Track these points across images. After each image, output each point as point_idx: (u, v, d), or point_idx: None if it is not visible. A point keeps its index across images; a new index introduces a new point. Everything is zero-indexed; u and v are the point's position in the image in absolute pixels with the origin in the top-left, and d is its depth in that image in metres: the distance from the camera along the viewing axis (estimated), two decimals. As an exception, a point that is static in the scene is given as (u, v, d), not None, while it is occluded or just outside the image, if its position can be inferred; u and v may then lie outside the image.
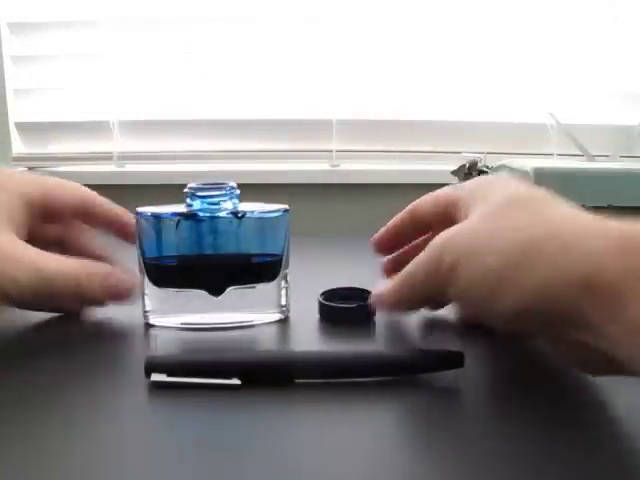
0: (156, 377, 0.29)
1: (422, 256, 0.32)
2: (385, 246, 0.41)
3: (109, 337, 0.38)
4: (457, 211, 0.33)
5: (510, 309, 0.26)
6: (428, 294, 0.33)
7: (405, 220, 0.40)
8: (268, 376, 0.29)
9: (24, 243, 0.35)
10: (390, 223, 0.41)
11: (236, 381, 0.28)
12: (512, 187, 0.32)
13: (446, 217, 0.35)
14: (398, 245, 0.41)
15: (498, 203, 0.30)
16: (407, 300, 0.34)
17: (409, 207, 0.40)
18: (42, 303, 0.38)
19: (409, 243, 0.41)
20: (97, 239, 0.43)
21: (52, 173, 0.98)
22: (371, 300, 0.37)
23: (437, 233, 0.33)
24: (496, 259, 0.26)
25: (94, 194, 0.41)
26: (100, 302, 0.38)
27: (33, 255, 0.34)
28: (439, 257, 0.30)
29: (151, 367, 0.29)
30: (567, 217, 0.28)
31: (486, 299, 0.27)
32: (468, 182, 0.36)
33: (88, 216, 0.41)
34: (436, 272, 0.30)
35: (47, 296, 0.35)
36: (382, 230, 0.41)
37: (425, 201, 0.38)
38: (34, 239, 0.36)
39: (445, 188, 0.37)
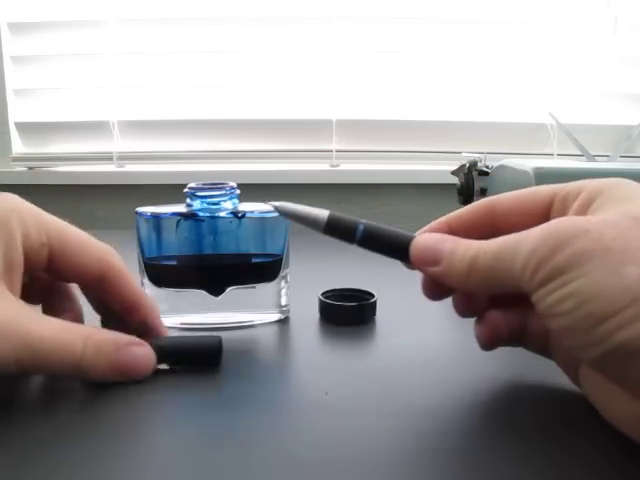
0: None
1: (530, 234, 0.22)
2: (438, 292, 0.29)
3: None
4: (567, 207, 0.25)
5: (624, 348, 0.20)
6: (502, 285, 0.24)
7: (479, 215, 0.28)
8: (195, 360, 0.31)
9: (16, 302, 0.26)
10: (453, 216, 0.28)
11: (164, 366, 0.30)
12: None
13: (546, 218, 0.25)
14: None
15: None
16: (465, 279, 0.24)
17: (485, 201, 0.28)
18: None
19: None
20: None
21: (52, 173, 0.98)
22: (412, 252, 0.26)
23: None
24: (636, 271, 0.20)
25: (120, 267, 0.30)
26: (106, 378, 0.28)
27: (24, 321, 0.25)
28: (555, 242, 0.21)
29: None
30: None
31: (595, 326, 0.20)
32: (585, 181, 0.25)
33: (102, 290, 0.31)
34: (541, 261, 0.21)
35: (40, 372, 0.28)
36: (439, 222, 0.28)
37: (510, 195, 0.27)
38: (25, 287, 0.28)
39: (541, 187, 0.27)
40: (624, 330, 0.20)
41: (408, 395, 0.29)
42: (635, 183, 0.25)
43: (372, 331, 0.39)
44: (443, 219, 0.28)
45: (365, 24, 0.95)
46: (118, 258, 0.30)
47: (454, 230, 0.27)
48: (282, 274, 0.40)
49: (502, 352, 0.32)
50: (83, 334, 0.27)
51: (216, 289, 0.38)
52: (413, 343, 0.36)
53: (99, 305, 0.32)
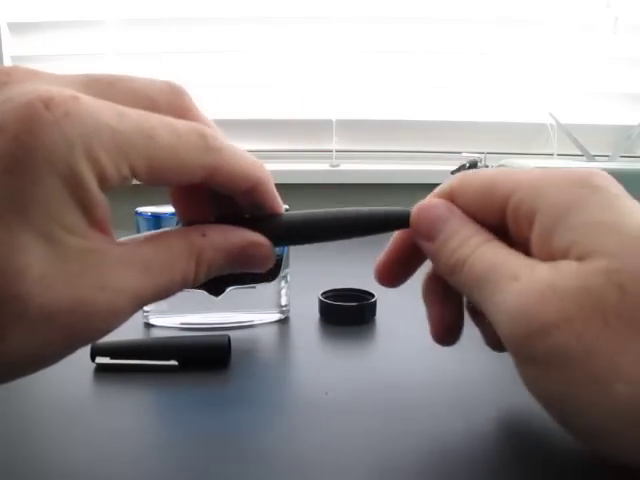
0: (100, 360, 0.31)
1: (514, 288, 0.20)
2: (395, 274, 0.27)
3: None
4: (521, 227, 0.22)
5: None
6: (480, 306, 0.22)
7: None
8: (203, 358, 0.32)
9: (110, 246, 0.19)
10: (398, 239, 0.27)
11: (174, 362, 0.31)
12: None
13: (499, 218, 0.22)
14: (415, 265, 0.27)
15: (632, 269, 0.18)
16: (448, 275, 0.23)
17: (446, 191, 0.24)
18: None
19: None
20: None
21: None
22: (414, 215, 0.24)
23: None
24: (627, 392, 0.17)
25: (228, 168, 0.21)
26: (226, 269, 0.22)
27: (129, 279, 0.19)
28: (533, 326, 0.19)
29: (96, 351, 0.31)
30: None
31: (589, 440, 0.19)
32: (534, 194, 0.21)
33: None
34: (519, 339, 0.19)
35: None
36: (389, 249, 0.27)
37: (469, 192, 0.24)
38: None
39: (495, 172, 0.24)
40: (625, 453, 0.18)
41: (408, 395, 0.29)
42: (603, 183, 0.20)
43: (372, 331, 0.39)
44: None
45: (365, 24, 0.95)
46: (219, 157, 0.20)
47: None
48: (282, 274, 0.40)
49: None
50: (186, 243, 0.20)
51: (216, 289, 0.38)
52: (413, 343, 0.36)
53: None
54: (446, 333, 0.26)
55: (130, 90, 0.19)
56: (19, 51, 0.96)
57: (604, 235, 0.19)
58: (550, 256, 0.20)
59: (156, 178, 0.19)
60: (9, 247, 0.16)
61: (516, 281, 0.19)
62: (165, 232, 0.21)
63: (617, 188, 0.21)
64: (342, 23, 0.94)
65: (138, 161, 0.18)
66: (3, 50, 0.95)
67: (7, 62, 0.95)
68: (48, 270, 0.17)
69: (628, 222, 0.19)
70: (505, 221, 0.22)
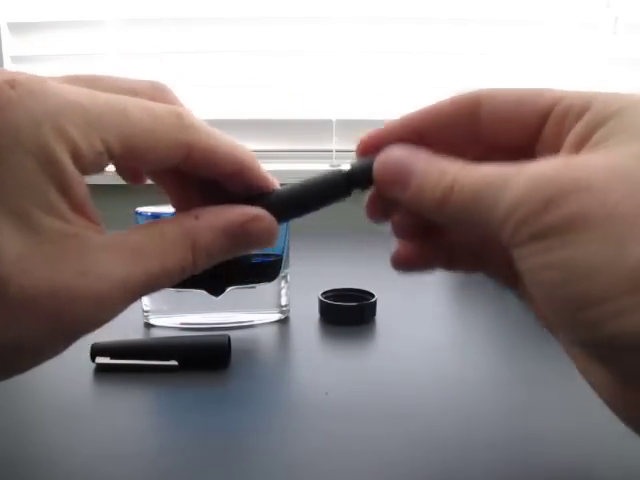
0: (100, 360, 0.31)
1: (519, 177, 0.18)
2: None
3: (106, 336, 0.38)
4: (564, 129, 0.20)
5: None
6: (477, 228, 0.20)
7: (459, 112, 0.23)
8: (203, 358, 0.32)
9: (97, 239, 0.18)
10: (428, 111, 0.23)
11: (174, 362, 0.31)
12: None
13: (534, 131, 0.21)
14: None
15: None
16: (435, 213, 0.20)
17: (472, 94, 0.23)
18: None
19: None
20: None
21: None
22: (376, 169, 0.22)
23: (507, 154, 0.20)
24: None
25: (206, 144, 0.20)
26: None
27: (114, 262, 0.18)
28: (547, 195, 0.17)
29: (96, 351, 0.31)
30: None
31: (584, 309, 0.17)
32: (594, 94, 0.21)
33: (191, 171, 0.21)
34: (527, 217, 0.17)
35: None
36: (407, 119, 0.23)
37: (504, 94, 0.23)
38: None
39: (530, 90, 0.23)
40: (620, 319, 0.17)
41: (407, 395, 0.29)
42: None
43: (372, 331, 0.39)
44: (414, 114, 0.23)
45: (365, 24, 0.95)
46: (197, 134, 0.20)
47: (425, 130, 0.22)
48: (282, 274, 0.40)
49: (502, 350, 0.32)
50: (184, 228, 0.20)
51: (216, 289, 0.38)
52: (413, 343, 0.36)
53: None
54: (407, 260, 0.25)
55: (113, 85, 0.19)
56: (19, 51, 0.96)
57: None
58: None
59: (132, 155, 0.18)
60: None
61: (527, 167, 0.18)
62: (156, 220, 0.20)
63: None
64: (342, 23, 0.94)
65: (111, 137, 0.17)
66: (3, 50, 0.95)
67: (7, 62, 0.95)
68: (25, 251, 0.16)
69: None
70: (539, 131, 0.21)
